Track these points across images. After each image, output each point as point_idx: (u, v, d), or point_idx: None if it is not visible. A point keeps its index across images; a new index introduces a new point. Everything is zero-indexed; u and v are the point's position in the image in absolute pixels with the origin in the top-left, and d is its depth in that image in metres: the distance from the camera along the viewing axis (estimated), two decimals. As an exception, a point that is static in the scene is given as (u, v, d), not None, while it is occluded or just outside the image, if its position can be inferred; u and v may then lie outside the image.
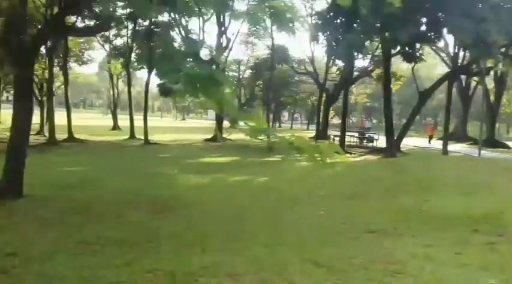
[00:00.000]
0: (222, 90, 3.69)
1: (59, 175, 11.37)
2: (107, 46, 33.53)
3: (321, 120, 37.00)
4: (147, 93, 25.89)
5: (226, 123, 31.17)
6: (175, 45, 27.68)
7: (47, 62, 27.95)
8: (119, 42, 32.13)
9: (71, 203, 8.12)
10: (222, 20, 26.77)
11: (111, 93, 38.48)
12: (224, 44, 27.47)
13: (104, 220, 7.09)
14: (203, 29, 27.46)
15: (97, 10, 22.20)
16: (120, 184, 10.70)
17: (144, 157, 17.90)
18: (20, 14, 7.29)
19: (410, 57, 23.22)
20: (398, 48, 22.14)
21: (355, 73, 31.83)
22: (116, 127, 36.25)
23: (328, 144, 8.18)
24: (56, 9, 17.94)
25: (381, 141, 25.22)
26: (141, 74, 62.02)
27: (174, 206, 8.41)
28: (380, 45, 24.95)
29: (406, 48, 22.20)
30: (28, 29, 8.98)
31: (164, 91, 27.48)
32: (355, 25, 19.52)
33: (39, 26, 18.43)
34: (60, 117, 23.86)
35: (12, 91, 49.88)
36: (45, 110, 27.27)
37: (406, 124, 25.90)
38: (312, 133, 37.94)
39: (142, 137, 25.44)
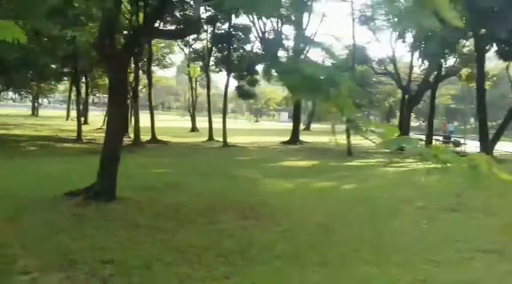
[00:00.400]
0: (343, 92, 3.24)
1: (146, 176, 11.55)
2: (186, 50, 34.61)
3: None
4: (226, 95, 26.11)
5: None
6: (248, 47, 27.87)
7: (132, 65, 29.40)
8: (197, 45, 32.93)
9: (160, 207, 8.11)
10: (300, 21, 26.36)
11: (190, 95, 39.54)
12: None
13: (195, 226, 6.94)
14: (281, 30, 27.16)
15: (177, 15, 22.87)
16: (204, 187, 10.65)
17: (224, 160, 17.94)
18: (113, 19, 7.40)
19: (508, 55, 21.21)
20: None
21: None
22: (194, 129, 37.16)
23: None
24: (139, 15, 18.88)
25: (469, 145, 23.40)
26: (216, 77, 63.22)
27: (263, 213, 8.08)
28: (467, 42, 23.23)
29: (503, 46, 20.36)
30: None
31: (243, 93, 27.80)
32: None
33: (127, 31, 19.36)
34: (142, 119, 24.80)
35: (98, 95, 53.25)
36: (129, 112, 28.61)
37: (500, 128, 23.68)
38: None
39: (220, 139, 25.73)
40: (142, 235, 6.23)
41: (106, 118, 35.90)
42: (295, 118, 29.02)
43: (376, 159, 20.90)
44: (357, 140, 25.63)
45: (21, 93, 36.46)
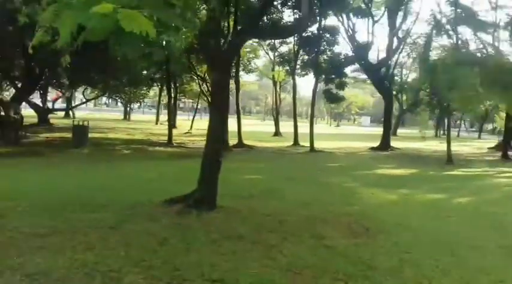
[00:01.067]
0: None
1: (240, 183, 11.23)
2: (271, 54, 34.45)
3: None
4: (314, 99, 25.36)
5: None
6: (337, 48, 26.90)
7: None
8: (283, 49, 32.62)
9: (260, 217, 7.64)
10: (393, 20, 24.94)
11: (273, 99, 39.38)
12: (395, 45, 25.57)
13: (301, 240, 6.35)
14: (372, 31, 25.91)
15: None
16: (299, 195, 10.07)
17: (313, 166, 17.25)
18: (217, 19, 7.11)
19: None
20: None
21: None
22: (277, 133, 36.89)
23: None
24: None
25: None
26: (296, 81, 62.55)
27: (372, 228, 7.28)
28: None
29: None
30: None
31: (331, 97, 26.90)
32: None
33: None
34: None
35: (183, 100, 54.95)
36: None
37: None
38: (488, 143, 33.71)
39: (305, 144, 25.11)
40: (248, 249, 5.77)
41: (192, 122, 36.94)
42: (386, 123, 27.48)
43: (480, 167, 19.01)
44: (454, 146, 23.69)
45: (117, 98, 38.51)
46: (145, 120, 53.13)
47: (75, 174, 12.04)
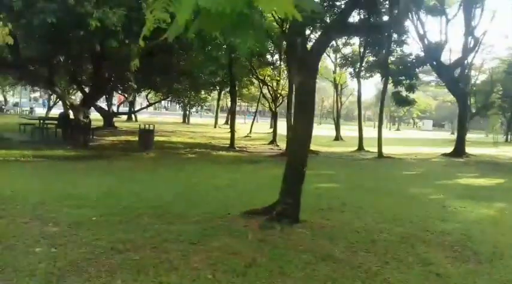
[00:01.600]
0: None
1: (315, 192, 10.46)
2: (332, 56, 33.39)
3: None
4: (383, 102, 24.08)
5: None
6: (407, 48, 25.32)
7: (280, 73, 29.26)
8: (346, 50, 31.49)
9: (349, 234, 6.83)
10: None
11: (335, 103, 38.23)
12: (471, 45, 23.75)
13: (406, 266, 5.50)
14: (446, 30, 24.24)
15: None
16: (384, 208, 9.15)
17: (386, 174, 16.11)
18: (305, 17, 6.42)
19: None
20: None
21: None
22: (338, 137, 35.72)
23: None
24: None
25: None
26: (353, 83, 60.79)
27: (481, 252, 6.27)
28: None
29: None
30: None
31: (400, 100, 25.42)
32: None
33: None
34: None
35: (239, 104, 54.88)
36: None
37: None
38: None
39: (371, 149, 23.92)
40: (349, 275, 5.02)
41: (252, 126, 36.62)
42: (461, 128, 25.58)
43: None
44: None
45: (179, 101, 38.97)
46: (203, 123, 53.69)
47: (145, 179, 11.83)
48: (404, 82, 23.24)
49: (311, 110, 6.72)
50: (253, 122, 40.04)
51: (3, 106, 50.73)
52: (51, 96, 49.53)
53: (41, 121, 21.04)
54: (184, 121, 53.52)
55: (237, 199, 9.17)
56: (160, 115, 64.33)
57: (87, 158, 15.21)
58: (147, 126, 19.52)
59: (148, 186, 10.48)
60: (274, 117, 28.55)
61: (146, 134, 18.89)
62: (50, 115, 40.51)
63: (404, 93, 24.40)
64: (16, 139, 19.11)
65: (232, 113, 23.80)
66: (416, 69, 24.07)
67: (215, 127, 46.89)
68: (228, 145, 24.08)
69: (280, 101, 30.46)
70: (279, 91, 29.25)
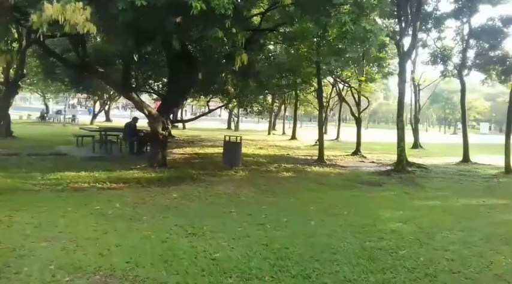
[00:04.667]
0: None
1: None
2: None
3: None
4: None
5: None
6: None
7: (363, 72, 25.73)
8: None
9: None
10: None
11: (413, 105, 34.22)
12: None
13: None
14: None
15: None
16: None
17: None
18: None
19: None
20: None
21: None
22: (417, 145, 31.63)
23: None
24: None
25: None
26: (393, 84, 55.98)
27: None
28: None
29: None
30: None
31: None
32: None
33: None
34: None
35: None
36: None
37: None
38: None
39: (475, 160, 20.34)
40: None
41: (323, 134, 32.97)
42: None
43: None
44: None
45: (247, 107, 35.91)
46: (250, 129, 50.42)
47: (262, 218, 8.35)
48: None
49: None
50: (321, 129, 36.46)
51: (45, 115, 48.85)
52: (96, 103, 47.41)
53: (103, 132, 18.05)
54: (229, 127, 50.41)
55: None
56: (199, 122, 61.30)
57: (173, 182, 11.96)
58: (232, 137, 16.17)
59: (278, 231, 7.01)
60: (358, 124, 24.82)
61: (232, 148, 15.55)
62: (97, 124, 38.10)
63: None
64: (76, 155, 16.15)
65: (321, 121, 20.23)
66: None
67: (269, 133, 43.53)
68: (311, 158, 20.64)
69: (366, 105, 26.92)
70: (366, 94, 25.62)
